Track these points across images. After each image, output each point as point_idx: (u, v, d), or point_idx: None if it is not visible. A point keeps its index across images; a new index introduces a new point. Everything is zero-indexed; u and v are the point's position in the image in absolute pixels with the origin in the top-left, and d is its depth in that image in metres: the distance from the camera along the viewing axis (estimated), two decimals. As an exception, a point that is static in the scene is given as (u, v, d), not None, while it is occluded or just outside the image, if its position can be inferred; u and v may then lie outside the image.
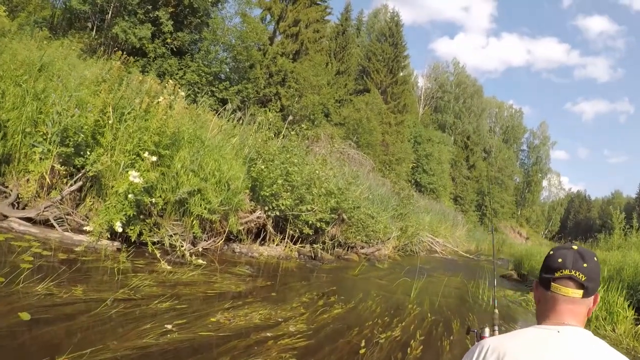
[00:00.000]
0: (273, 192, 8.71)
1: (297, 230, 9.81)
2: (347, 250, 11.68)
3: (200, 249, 7.42)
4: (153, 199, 6.74)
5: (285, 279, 7.26)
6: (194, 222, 7.62)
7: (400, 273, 10.20)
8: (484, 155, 60.94)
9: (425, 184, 40.31)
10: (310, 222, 9.76)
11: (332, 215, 10.36)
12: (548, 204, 78.68)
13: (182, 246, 7.00)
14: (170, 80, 8.62)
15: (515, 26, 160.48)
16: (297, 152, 9.88)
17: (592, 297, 1.53)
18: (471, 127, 58.74)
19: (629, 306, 7.46)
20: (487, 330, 2.16)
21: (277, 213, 9.01)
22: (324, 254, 9.91)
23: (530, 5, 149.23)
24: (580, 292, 1.49)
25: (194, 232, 7.58)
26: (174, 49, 19.51)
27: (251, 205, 8.96)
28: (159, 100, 7.76)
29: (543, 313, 1.58)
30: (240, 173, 8.35)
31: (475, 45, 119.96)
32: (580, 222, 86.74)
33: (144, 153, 6.69)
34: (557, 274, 1.51)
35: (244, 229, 8.94)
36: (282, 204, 8.88)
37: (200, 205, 7.62)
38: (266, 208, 8.91)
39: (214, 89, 20.70)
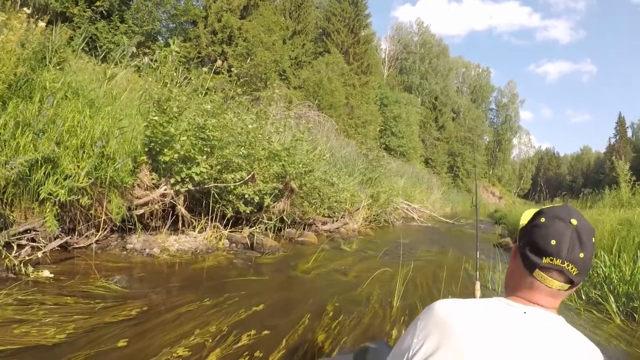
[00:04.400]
0: (180, 154, 5.90)
1: (231, 209, 7.11)
2: (304, 228, 8.96)
3: (40, 255, 4.54)
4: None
5: (185, 294, 4.27)
6: (50, 209, 4.86)
7: (375, 257, 7.49)
8: (453, 115, 58.98)
9: (395, 147, 37.83)
10: (246, 195, 7.05)
11: (277, 185, 7.63)
12: (519, 163, 78.18)
13: (11, 252, 4.23)
14: (26, 9, 5.67)
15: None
16: (216, 99, 6.96)
17: (577, 285, 1.28)
18: (438, 87, 56.81)
19: None
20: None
21: (191, 187, 6.21)
22: (265, 240, 7.04)
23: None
24: (567, 286, 1.25)
25: (47, 227, 4.82)
26: (103, 13, 16.54)
27: (153, 179, 6.17)
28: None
29: (514, 287, 1.34)
30: (115, 128, 5.46)
31: (438, 11, 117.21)
32: (550, 179, 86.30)
33: None
34: (545, 261, 1.24)
35: (146, 213, 6.19)
36: (195, 173, 6.09)
37: (57, 182, 4.86)
38: (172, 181, 6.10)
39: (146, 50, 17.74)
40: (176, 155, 5.87)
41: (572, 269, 1.23)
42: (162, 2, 19.13)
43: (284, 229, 8.23)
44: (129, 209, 5.88)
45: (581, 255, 1.23)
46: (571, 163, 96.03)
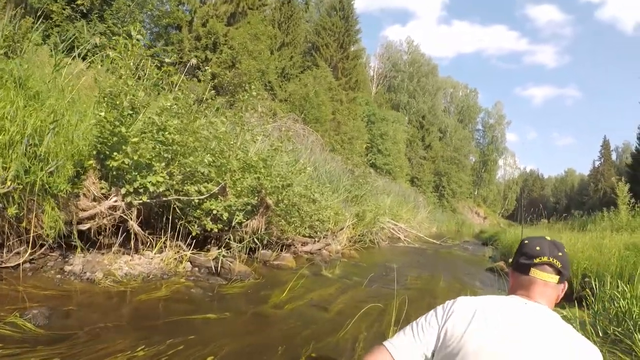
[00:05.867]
0: (133, 160, 4.96)
1: (196, 226, 6.17)
2: (282, 249, 8.00)
3: None
4: None
5: (116, 338, 3.25)
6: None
7: (360, 286, 6.58)
8: (440, 135, 58.73)
9: (381, 165, 37.13)
10: (215, 211, 6.13)
11: (249, 200, 6.69)
12: (503, 184, 78.42)
13: None
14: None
15: (466, 14, 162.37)
16: (182, 97, 6.00)
17: (563, 284, 1.72)
18: (426, 106, 56.66)
19: None
20: None
21: (146, 199, 5.25)
22: (233, 265, 5.97)
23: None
24: (557, 277, 1.68)
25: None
26: (84, 11, 15.62)
27: (102, 188, 5.22)
28: None
29: (515, 290, 1.75)
30: (49, 122, 4.48)
31: (427, 32, 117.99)
32: (534, 201, 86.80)
33: None
34: (536, 260, 1.70)
35: (92, 229, 5.22)
36: (151, 183, 5.14)
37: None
38: (123, 191, 5.15)
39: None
40: (128, 161, 4.92)
41: (556, 262, 1.68)
42: (144, 2, 18.28)
43: (259, 250, 7.27)
44: (70, 222, 4.92)
45: (560, 254, 1.70)
46: (555, 185, 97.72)
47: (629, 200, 14.53)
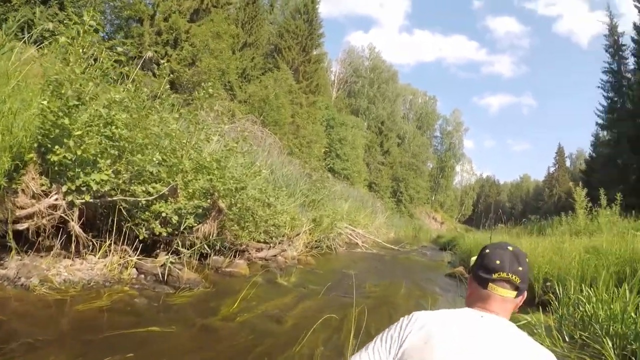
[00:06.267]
0: (76, 155, 4.58)
1: (144, 230, 5.80)
2: (235, 255, 7.68)
3: None
4: None
5: (46, 356, 2.92)
6: None
7: (317, 295, 6.34)
8: (398, 141, 59.54)
9: (339, 170, 37.27)
10: (165, 214, 5.78)
11: (200, 203, 6.36)
12: (460, 189, 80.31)
13: None
14: None
15: (427, 23, 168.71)
16: (134, 90, 5.63)
17: (521, 295, 1.68)
18: (385, 112, 57.51)
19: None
20: None
21: (89, 198, 4.85)
22: (182, 272, 5.64)
23: (442, 4, 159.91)
24: (515, 293, 1.65)
25: None
26: (44, -5, 15.03)
27: (42, 184, 4.81)
28: None
29: (473, 302, 1.70)
30: None
31: (389, 40, 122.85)
32: (490, 206, 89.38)
33: None
34: (494, 276, 1.65)
35: (30, 229, 4.80)
36: (94, 181, 4.76)
37: None
38: (64, 189, 4.75)
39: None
40: (70, 156, 4.53)
41: (515, 278, 1.63)
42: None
43: (210, 256, 6.93)
44: (6, 221, 4.50)
45: (520, 268, 1.65)
46: (511, 190, 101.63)
47: (586, 205, 14.93)
